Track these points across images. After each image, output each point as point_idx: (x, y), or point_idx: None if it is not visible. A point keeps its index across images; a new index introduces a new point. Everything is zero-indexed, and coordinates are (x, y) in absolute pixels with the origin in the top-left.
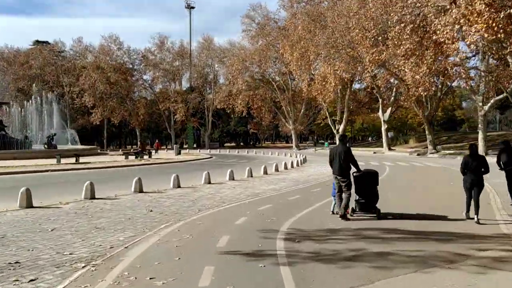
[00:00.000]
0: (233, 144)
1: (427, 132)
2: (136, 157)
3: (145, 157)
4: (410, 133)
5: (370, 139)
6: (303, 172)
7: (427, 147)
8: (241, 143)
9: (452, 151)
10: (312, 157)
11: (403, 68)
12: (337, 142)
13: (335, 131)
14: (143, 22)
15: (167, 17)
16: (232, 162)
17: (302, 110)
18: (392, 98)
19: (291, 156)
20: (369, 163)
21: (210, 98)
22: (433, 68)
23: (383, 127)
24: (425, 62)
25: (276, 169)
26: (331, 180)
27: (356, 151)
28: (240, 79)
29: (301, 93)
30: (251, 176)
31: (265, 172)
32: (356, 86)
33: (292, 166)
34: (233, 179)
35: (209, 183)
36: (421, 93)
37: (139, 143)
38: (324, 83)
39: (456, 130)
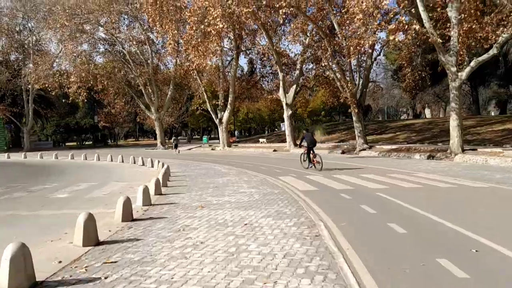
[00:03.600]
0: (75, 143)
1: (355, 118)
2: None
3: None
4: (300, 124)
5: (283, 127)
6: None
7: (348, 141)
8: (92, 142)
9: (394, 146)
10: (188, 166)
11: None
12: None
13: (217, 121)
14: None
15: None
16: None
17: (170, 93)
18: (297, 71)
19: (143, 165)
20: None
21: (28, 74)
22: None
23: (286, 113)
24: None
25: None
26: None
27: (242, 149)
28: (71, 43)
29: (168, 71)
30: None
31: None
32: (242, 63)
33: (128, 219)
34: None
35: None
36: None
37: None
38: (206, 26)
39: (366, 118)
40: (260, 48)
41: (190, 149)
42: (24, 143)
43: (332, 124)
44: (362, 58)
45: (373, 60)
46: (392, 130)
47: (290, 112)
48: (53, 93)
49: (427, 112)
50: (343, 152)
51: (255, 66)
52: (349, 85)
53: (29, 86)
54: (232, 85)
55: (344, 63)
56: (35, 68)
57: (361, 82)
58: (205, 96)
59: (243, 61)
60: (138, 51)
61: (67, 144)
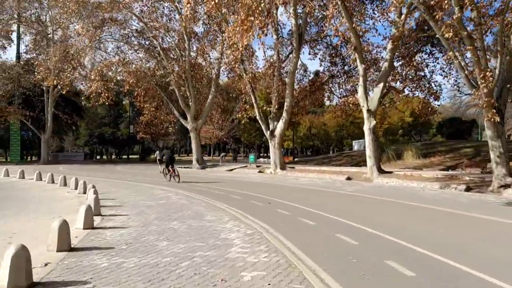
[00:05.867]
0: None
1: (490, 132)
2: None
3: None
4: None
5: (356, 146)
6: None
7: (460, 168)
8: (127, 156)
9: None
10: (177, 213)
11: None
12: (272, 152)
13: (267, 134)
14: None
15: None
16: None
17: (211, 96)
18: (386, 63)
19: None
20: None
21: (37, 69)
22: None
23: (368, 124)
24: None
25: None
26: None
27: (299, 173)
28: (82, 27)
29: (210, 66)
30: None
31: None
32: (306, 59)
33: None
34: None
35: None
36: None
37: None
38: None
39: (462, 137)
40: (335, 32)
41: (231, 169)
42: (41, 154)
43: (426, 144)
44: (505, 33)
45: None
46: None
47: (373, 122)
48: (64, 91)
49: None
50: (468, 189)
51: (321, 64)
52: (487, 75)
53: (46, 85)
54: (290, 86)
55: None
56: (45, 61)
57: (502, 71)
58: (253, 98)
59: (306, 57)
60: (174, 43)
61: (99, 157)
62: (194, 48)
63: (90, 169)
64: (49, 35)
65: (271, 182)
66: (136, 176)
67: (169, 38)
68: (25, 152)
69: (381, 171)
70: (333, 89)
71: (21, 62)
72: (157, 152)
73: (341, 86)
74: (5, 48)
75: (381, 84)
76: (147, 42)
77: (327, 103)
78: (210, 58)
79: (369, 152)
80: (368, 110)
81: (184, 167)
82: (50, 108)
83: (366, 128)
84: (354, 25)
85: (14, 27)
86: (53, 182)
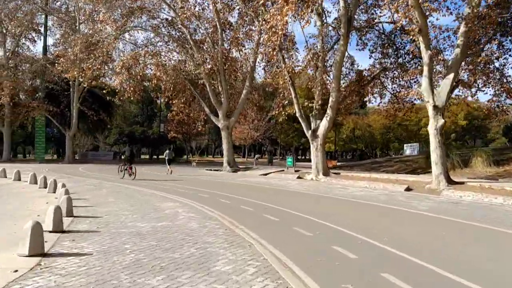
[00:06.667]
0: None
1: None
2: None
3: None
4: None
5: (408, 150)
6: None
7: None
8: (155, 156)
9: None
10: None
11: None
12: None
13: (308, 134)
14: None
15: None
16: None
17: (245, 91)
18: (457, 50)
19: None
20: None
21: (57, 60)
22: None
23: (434, 123)
24: None
25: None
26: None
27: (346, 181)
28: (104, 13)
29: (244, 56)
30: None
31: None
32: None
33: None
34: None
35: None
36: None
37: None
38: None
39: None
40: (394, 10)
41: (266, 174)
42: (66, 153)
43: (495, 149)
44: None
45: None
46: None
47: (441, 121)
48: (85, 84)
49: None
50: None
51: (371, 56)
52: None
53: (71, 79)
54: (336, 78)
55: None
56: (65, 52)
57: None
58: (292, 92)
59: (353, 49)
60: (206, 33)
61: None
62: (228, 39)
63: (110, 170)
64: (77, 27)
65: (314, 192)
66: (152, 182)
67: (202, 28)
68: (61, 150)
69: (450, 181)
70: (385, 84)
71: (49, 56)
72: (167, 151)
73: (394, 81)
74: (35, 41)
75: (451, 75)
76: (177, 33)
77: (378, 100)
78: (246, 49)
79: (435, 157)
80: (435, 107)
81: (214, 170)
82: (76, 104)
83: (431, 128)
84: (420, 0)
85: (42, 18)
86: (45, 186)
